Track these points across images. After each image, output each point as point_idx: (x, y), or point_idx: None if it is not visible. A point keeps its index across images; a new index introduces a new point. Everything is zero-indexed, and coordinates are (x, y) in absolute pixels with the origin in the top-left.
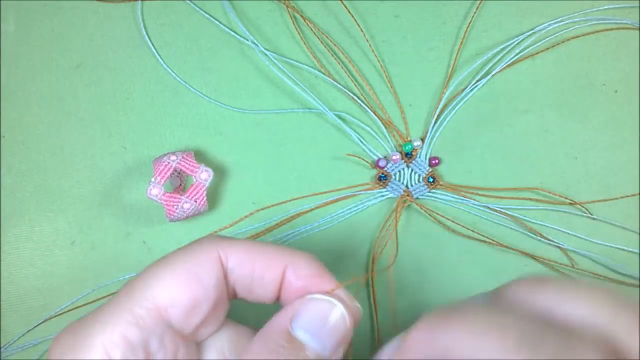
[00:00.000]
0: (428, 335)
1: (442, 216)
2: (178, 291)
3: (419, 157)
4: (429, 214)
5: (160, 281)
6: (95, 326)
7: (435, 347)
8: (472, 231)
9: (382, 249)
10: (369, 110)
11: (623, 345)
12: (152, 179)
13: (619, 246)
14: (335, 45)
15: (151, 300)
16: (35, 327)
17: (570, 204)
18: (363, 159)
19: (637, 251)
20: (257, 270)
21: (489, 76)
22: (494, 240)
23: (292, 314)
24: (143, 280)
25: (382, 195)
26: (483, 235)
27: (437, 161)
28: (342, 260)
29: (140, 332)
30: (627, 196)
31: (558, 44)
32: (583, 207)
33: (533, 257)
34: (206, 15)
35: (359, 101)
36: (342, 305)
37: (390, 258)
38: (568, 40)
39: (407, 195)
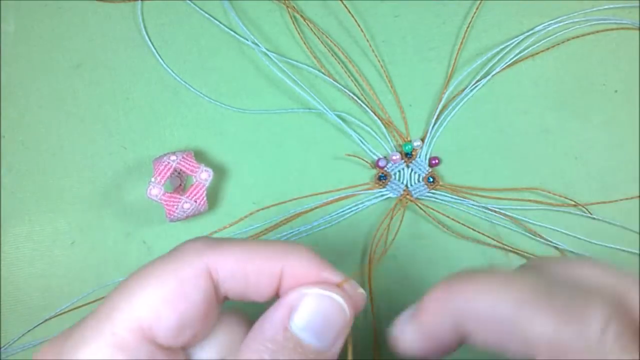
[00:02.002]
0: (444, 295)
1: (443, 214)
2: (163, 310)
3: (419, 157)
4: (429, 214)
5: (142, 299)
6: (78, 348)
7: (452, 307)
8: (473, 230)
9: (385, 249)
10: (369, 110)
11: (631, 303)
12: (152, 179)
13: (618, 246)
14: (335, 45)
15: (134, 321)
16: (35, 327)
17: (571, 205)
18: (363, 159)
19: (637, 251)
20: (251, 277)
21: (489, 76)
22: (494, 239)
23: (289, 310)
24: (124, 298)
25: (382, 195)
26: (483, 235)
27: (437, 161)
28: (342, 260)
29: (125, 355)
30: (628, 198)
31: (558, 44)
32: (585, 208)
33: (532, 257)
34: (206, 15)
35: (359, 101)
36: (342, 297)
37: (390, 257)
38: (568, 40)
39: (407, 195)
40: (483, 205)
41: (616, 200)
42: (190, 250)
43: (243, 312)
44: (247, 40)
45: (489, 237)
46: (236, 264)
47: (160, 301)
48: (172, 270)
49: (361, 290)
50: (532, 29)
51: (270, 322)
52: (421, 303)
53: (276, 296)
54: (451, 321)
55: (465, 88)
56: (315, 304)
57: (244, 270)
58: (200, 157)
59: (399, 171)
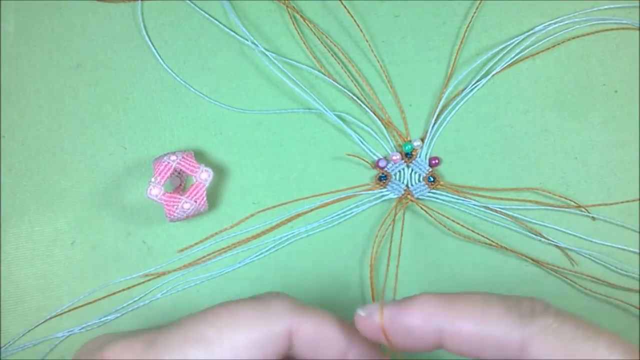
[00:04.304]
0: (433, 311)
1: (443, 215)
2: (244, 357)
3: (419, 157)
4: (429, 214)
5: (230, 341)
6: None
7: (438, 325)
8: (472, 231)
9: (389, 250)
10: (369, 111)
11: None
12: (152, 179)
13: (619, 246)
14: (335, 45)
15: (217, 355)
16: (35, 327)
17: (573, 207)
18: (363, 159)
19: (637, 251)
20: (322, 348)
21: (489, 76)
22: (493, 242)
23: None
24: (214, 332)
25: (383, 195)
26: (483, 237)
27: (437, 161)
28: (343, 261)
29: None
30: (629, 201)
31: (558, 44)
32: (585, 209)
33: (532, 260)
34: (206, 15)
35: (359, 101)
36: None
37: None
38: (568, 40)
39: (408, 195)
40: (484, 204)
41: (617, 202)
42: (280, 307)
43: None
44: (247, 40)
45: (488, 239)
46: (316, 333)
47: (245, 348)
48: (263, 322)
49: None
50: (532, 29)
51: None
52: (407, 308)
53: None
54: (434, 334)
55: (465, 88)
56: None
57: (319, 340)
58: (200, 157)
59: (399, 171)
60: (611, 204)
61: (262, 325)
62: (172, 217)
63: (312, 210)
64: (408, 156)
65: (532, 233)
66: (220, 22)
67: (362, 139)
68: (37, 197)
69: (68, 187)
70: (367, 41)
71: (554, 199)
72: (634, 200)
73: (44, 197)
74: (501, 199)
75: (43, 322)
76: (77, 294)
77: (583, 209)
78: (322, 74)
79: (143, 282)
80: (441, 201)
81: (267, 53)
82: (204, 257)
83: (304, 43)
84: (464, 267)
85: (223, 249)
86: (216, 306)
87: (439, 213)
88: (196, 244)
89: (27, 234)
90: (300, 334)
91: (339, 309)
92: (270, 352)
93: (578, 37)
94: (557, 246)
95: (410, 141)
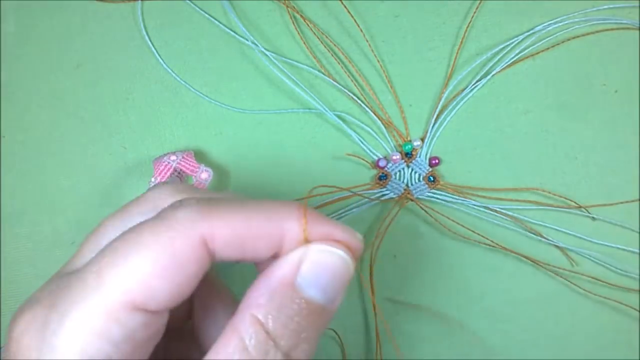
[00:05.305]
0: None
1: (443, 215)
2: (156, 283)
3: (419, 157)
4: (429, 214)
5: (133, 271)
6: (68, 318)
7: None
8: (472, 231)
9: (395, 250)
10: (369, 110)
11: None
12: (152, 179)
13: (619, 246)
14: (335, 45)
15: (126, 293)
16: None
17: (574, 207)
18: (363, 159)
19: (637, 251)
20: (249, 242)
21: (489, 76)
22: (493, 242)
23: (295, 266)
24: (114, 268)
25: (383, 195)
26: (483, 237)
27: (437, 161)
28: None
29: (116, 324)
30: (629, 201)
31: (558, 44)
32: (586, 210)
33: (532, 260)
34: (206, 15)
35: (359, 101)
36: (346, 253)
37: (391, 257)
38: (568, 40)
39: (408, 195)
40: (484, 204)
41: (617, 203)
42: (183, 219)
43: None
44: (247, 40)
45: (488, 239)
46: (234, 231)
47: (153, 275)
48: (165, 241)
49: (359, 236)
50: (532, 29)
51: (276, 278)
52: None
53: (274, 256)
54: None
55: (465, 88)
56: (321, 260)
57: (242, 238)
58: (200, 157)
59: (399, 171)
60: (611, 204)
61: (165, 246)
62: None
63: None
64: (408, 156)
65: (532, 233)
66: (220, 22)
67: (362, 139)
68: (37, 197)
69: (68, 187)
70: (367, 41)
71: (554, 199)
72: (634, 201)
73: (44, 197)
74: (501, 199)
75: None
76: None
77: (583, 209)
78: (322, 74)
79: None
80: (441, 201)
81: (267, 53)
82: None
83: (304, 43)
84: (464, 267)
85: None
86: (113, 242)
87: (438, 213)
88: None
89: (27, 234)
90: (217, 238)
91: (339, 309)
92: (187, 269)
93: (578, 37)
94: (557, 246)
95: (410, 141)
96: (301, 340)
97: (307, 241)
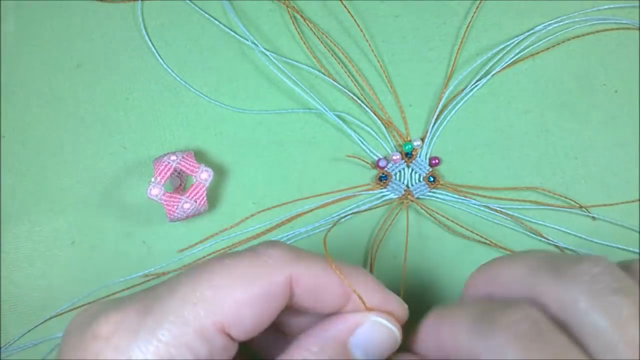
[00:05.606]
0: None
1: (443, 216)
2: (246, 313)
3: (419, 157)
4: (430, 214)
5: (230, 298)
6: (157, 330)
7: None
8: (472, 232)
9: (400, 252)
10: (369, 110)
11: (546, 298)
12: (152, 179)
13: (619, 246)
14: (335, 45)
15: (219, 315)
16: (35, 327)
17: (574, 207)
18: (363, 160)
19: (637, 251)
20: (322, 298)
21: (489, 76)
22: (493, 242)
23: (351, 330)
24: (211, 290)
25: (383, 195)
26: (483, 237)
27: (437, 161)
28: (343, 261)
29: (204, 344)
30: (629, 202)
31: (558, 44)
32: (586, 210)
33: None
34: (206, 15)
35: (359, 101)
36: (397, 329)
37: (391, 257)
38: (568, 40)
39: (408, 195)
40: (484, 204)
41: (617, 203)
42: (278, 257)
43: None
44: (247, 40)
45: (488, 239)
46: (317, 279)
47: (245, 303)
48: (262, 275)
49: (406, 306)
50: (532, 29)
51: (333, 332)
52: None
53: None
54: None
55: (465, 88)
56: (376, 329)
57: (321, 287)
58: (200, 157)
59: (400, 171)
60: (611, 204)
61: (261, 278)
62: (172, 217)
63: (312, 210)
64: (408, 156)
65: (532, 233)
66: (220, 22)
67: (362, 139)
68: (37, 197)
69: (68, 187)
70: (367, 41)
71: (554, 198)
72: (634, 201)
73: (44, 197)
74: (501, 198)
75: (43, 322)
76: (77, 294)
77: (583, 209)
78: (322, 74)
79: (143, 282)
80: (441, 201)
81: (267, 53)
82: (204, 257)
83: (304, 43)
84: (464, 267)
85: (223, 249)
86: (209, 262)
87: (438, 213)
88: (196, 244)
89: (27, 234)
90: (301, 282)
91: None
92: (273, 304)
93: (578, 37)
94: (557, 246)
95: (410, 141)
96: None
97: (366, 307)
